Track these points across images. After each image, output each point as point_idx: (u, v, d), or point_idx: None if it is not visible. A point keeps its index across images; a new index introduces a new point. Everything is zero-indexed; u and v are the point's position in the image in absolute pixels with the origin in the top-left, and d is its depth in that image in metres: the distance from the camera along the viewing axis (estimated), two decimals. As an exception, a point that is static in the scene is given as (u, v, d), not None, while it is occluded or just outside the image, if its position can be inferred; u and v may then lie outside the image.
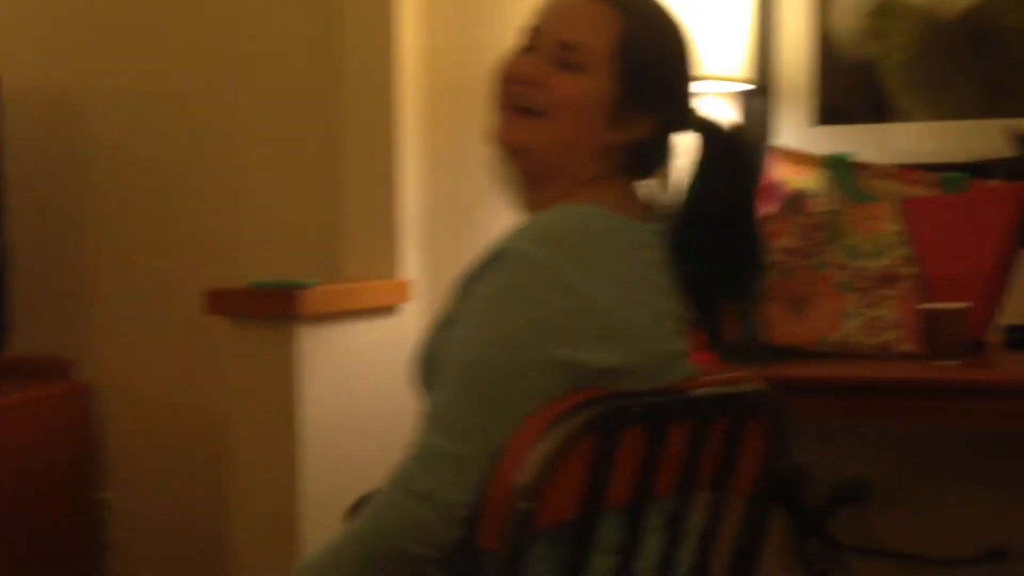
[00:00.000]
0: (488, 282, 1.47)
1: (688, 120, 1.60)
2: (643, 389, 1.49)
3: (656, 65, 1.57)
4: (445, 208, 2.86)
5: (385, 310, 2.73)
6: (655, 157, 1.61)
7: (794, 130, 2.72)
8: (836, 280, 2.23)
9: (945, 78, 2.64)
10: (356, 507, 1.61)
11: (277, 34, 2.98)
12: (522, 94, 1.56)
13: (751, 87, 2.70)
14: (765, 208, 2.44)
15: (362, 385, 2.62)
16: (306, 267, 2.74)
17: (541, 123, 1.55)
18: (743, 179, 1.61)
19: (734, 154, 1.60)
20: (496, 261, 1.48)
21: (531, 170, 1.59)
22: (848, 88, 2.70)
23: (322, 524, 2.38)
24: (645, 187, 1.62)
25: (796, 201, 2.35)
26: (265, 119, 2.98)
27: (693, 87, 1.62)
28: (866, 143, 2.66)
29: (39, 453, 2.88)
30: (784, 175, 2.48)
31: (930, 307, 2.10)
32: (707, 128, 1.60)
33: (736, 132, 1.62)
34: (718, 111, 2.76)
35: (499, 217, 2.08)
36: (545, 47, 1.56)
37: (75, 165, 3.09)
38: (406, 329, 2.78)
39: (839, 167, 2.39)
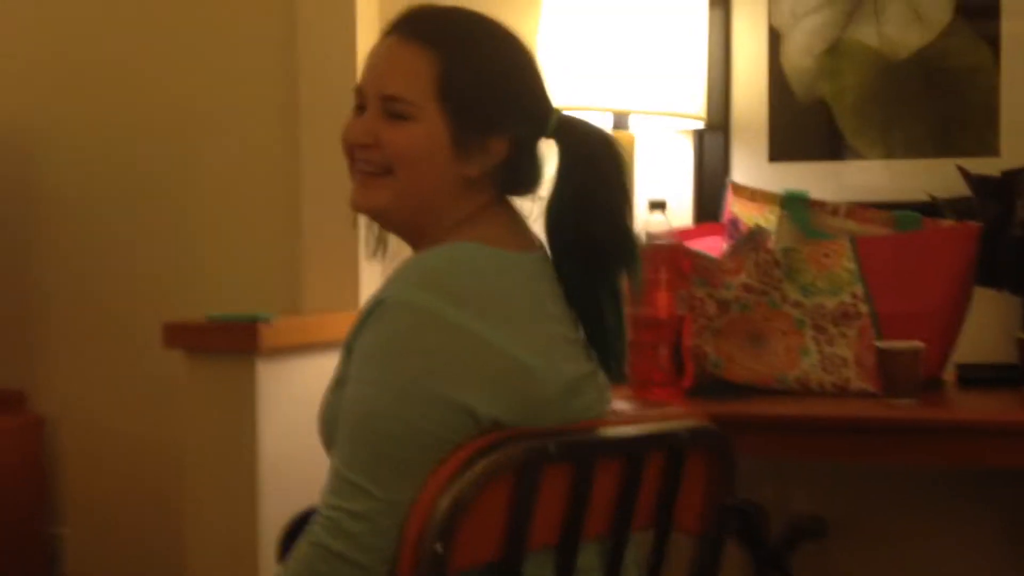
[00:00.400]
0: (370, 334, 1.48)
1: (547, 127, 1.60)
2: (560, 427, 1.50)
3: (485, 89, 1.57)
4: (404, 241, 2.86)
5: (344, 343, 2.72)
6: (526, 173, 1.61)
7: (750, 167, 2.75)
8: (793, 317, 2.25)
9: (898, 117, 2.68)
10: (290, 534, 1.63)
11: (234, 65, 2.97)
12: (364, 158, 1.58)
13: (707, 125, 2.73)
14: (721, 244, 2.47)
15: (321, 419, 2.61)
16: (266, 300, 2.74)
17: (388, 181, 1.56)
18: (597, 175, 1.58)
19: (587, 150, 1.58)
20: (375, 312, 1.48)
21: (400, 226, 1.62)
22: (802, 126, 2.74)
23: (280, 559, 2.36)
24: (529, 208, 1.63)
25: (753, 238, 2.37)
26: (223, 151, 2.97)
27: (542, 93, 1.62)
28: (820, 181, 2.69)
29: (-8, 487, 2.86)
30: (741, 212, 2.51)
31: (885, 345, 2.12)
32: (561, 130, 1.60)
33: (590, 129, 1.61)
34: (675, 148, 2.79)
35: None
36: (371, 104, 1.58)
37: (28, 197, 3.07)
38: (364, 362, 2.78)
39: (794, 204, 2.41)
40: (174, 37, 3.01)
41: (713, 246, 2.47)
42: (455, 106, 1.55)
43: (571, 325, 1.58)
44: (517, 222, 1.62)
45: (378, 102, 1.56)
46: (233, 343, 2.39)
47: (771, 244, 2.36)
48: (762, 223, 2.43)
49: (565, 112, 1.63)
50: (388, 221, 1.63)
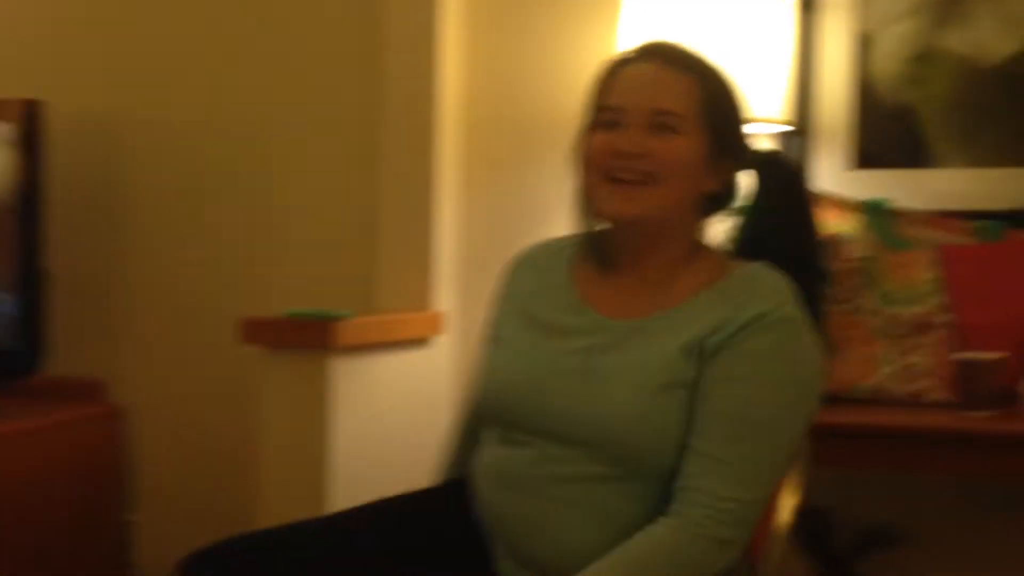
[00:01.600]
0: (759, 342, 1.63)
1: (748, 159, 1.79)
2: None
3: (734, 115, 1.74)
4: (479, 242, 2.88)
5: (418, 342, 2.74)
6: (732, 197, 1.78)
7: (832, 173, 2.72)
8: (870, 326, 2.23)
9: (984, 125, 2.64)
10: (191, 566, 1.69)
11: (319, 65, 3.00)
12: (628, 167, 1.68)
13: (791, 129, 2.71)
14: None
15: (394, 416, 2.62)
16: (340, 298, 2.75)
17: (653, 190, 1.68)
18: (799, 201, 1.83)
19: (788, 180, 1.83)
20: (759, 321, 1.63)
21: (647, 235, 1.72)
22: (886, 132, 2.70)
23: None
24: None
25: (833, 245, 2.35)
26: (304, 149, 3.00)
27: (749, 152, 1.80)
28: (903, 188, 2.65)
29: (71, 474, 2.90)
30: (822, 219, 2.48)
31: (964, 356, 2.09)
32: (763, 163, 1.82)
33: (786, 161, 1.86)
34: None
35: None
36: (635, 120, 1.69)
37: (115, 190, 3.11)
38: (439, 361, 2.79)
39: (876, 213, 2.39)
40: (264, 35, 3.04)
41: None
42: (714, 126, 1.70)
43: None
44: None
45: (647, 117, 1.69)
46: (309, 340, 2.41)
47: (852, 252, 2.33)
48: (843, 230, 2.41)
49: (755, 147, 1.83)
50: (642, 228, 1.72)
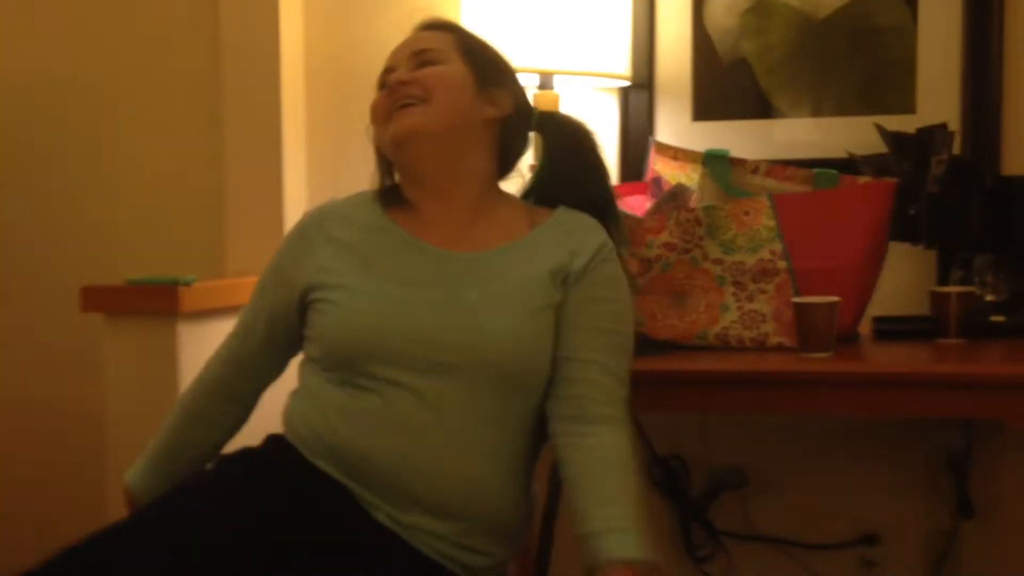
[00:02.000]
0: (611, 269, 1.84)
1: (532, 118, 1.93)
2: None
3: (491, 53, 1.91)
4: (326, 196, 2.85)
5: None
6: (521, 144, 1.92)
7: (675, 126, 2.76)
8: (714, 274, 2.27)
9: (820, 76, 2.70)
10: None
11: (158, 23, 2.94)
12: (400, 97, 1.82)
13: (632, 85, 2.74)
14: (645, 203, 2.48)
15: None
16: (188, 263, 2.71)
17: (426, 107, 1.81)
18: (588, 153, 1.94)
19: (574, 136, 1.94)
20: (605, 252, 1.84)
21: (438, 152, 1.82)
22: (726, 84, 2.75)
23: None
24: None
25: (675, 196, 2.38)
26: (145, 111, 2.94)
27: (524, 88, 1.93)
28: (745, 139, 2.71)
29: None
30: (664, 170, 2.52)
31: (801, 300, 2.14)
32: (544, 123, 1.94)
33: (569, 118, 1.96)
34: (599, 107, 2.80)
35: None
36: (400, 67, 1.85)
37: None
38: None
39: (715, 163, 2.43)
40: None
41: (637, 205, 2.48)
42: (473, 58, 1.87)
43: None
44: None
45: (409, 59, 1.85)
46: (153, 306, 2.37)
47: (693, 202, 2.37)
48: (685, 182, 2.44)
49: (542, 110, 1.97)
50: (429, 146, 1.82)
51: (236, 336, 1.96)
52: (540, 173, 1.95)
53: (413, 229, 1.84)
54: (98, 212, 2.95)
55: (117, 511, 2.42)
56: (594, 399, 1.77)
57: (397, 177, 1.90)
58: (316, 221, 1.88)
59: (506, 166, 1.93)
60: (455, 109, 1.82)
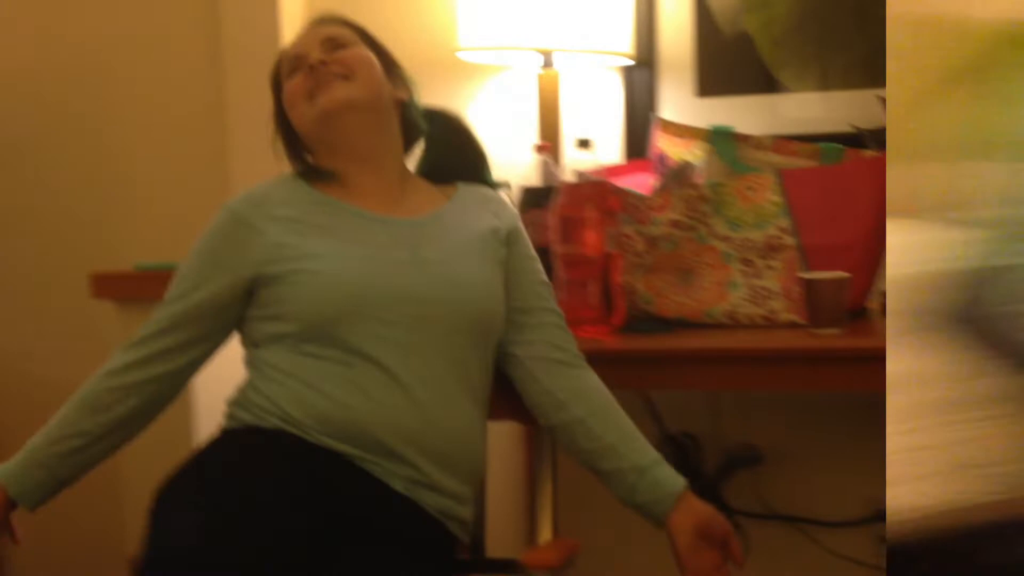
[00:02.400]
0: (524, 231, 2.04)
1: (419, 110, 2.05)
2: None
3: (384, 47, 2.02)
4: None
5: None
6: (416, 125, 2.03)
7: (678, 102, 2.75)
8: (721, 251, 2.26)
9: (825, 48, 2.69)
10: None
11: (160, 14, 2.94)
12: (323, 74, 1.89)
13: (635, 62, 2.73)
14: (650, 181, 2.48)
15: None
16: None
17: (352, 82, 1.90)
18: (466, 136, 2.09)
19: (453, 123, 2.09)
20: (515, 215, 2.04)
21: (368, 123, 1.91)
22: (730, 59, 2.74)
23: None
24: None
25: (680, 173, 2.38)
26: (151, 100, 2.94)
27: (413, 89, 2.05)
28: (749, 114, 2.70)
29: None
30: (668, 148, 2.51)
31: (810, 276, 2.13)
32: (431, 116, 2.06)
33: (446, 111, 2.10)
34: (603, 85, 2.79)
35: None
36: (312, 50, 1.93)
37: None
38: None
39: (720, 139, 2.42)
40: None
41: (642, 183, 2.47)
42: (375, 47, 1.99)
43: None
44: None
45: (321, 44, 1.93)
46: (163, 292, 2.36)
47: (698, 179, 2.36)
48: (689, 158, 2.44)
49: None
50: (351, 117, 1.89)
51: (155, 335, 1.89)
52: (428, 156, 2.08)
53: (350, 200, 1.90)
54: (107, 200, 2.96)
55: (128, 494, 2.44)
56: (567, 344, 1.94)
57: (309, 158, 1.98)
58: (249, 204, 1.87)
59: (407, 148, 2.05)
60: (376, 85, 1.92)
